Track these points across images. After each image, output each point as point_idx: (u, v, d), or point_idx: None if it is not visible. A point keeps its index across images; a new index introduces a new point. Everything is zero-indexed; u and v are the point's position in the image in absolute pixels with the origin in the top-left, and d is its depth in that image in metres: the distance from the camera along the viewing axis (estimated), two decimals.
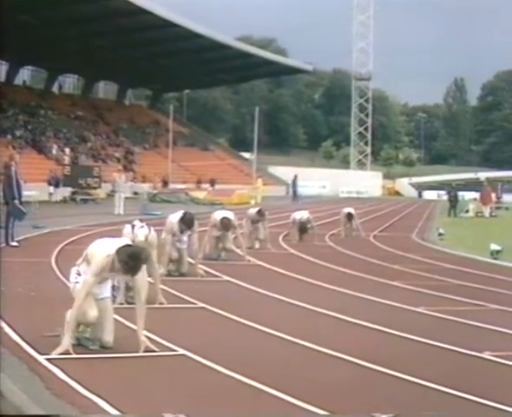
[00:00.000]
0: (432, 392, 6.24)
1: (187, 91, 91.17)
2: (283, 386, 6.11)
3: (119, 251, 7.00)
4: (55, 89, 68.29)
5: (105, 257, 7.10)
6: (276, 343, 7.97)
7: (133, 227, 10.11)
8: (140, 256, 7.05)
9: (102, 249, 7.22)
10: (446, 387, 6.30)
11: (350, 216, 22.87)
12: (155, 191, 46.62)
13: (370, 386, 6.45)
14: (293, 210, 22.21)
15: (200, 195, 46.37)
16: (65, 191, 42.15)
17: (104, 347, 7.24)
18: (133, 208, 31.53)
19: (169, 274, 12.45)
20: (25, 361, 6.67)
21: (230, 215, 14.91)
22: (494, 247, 17.97)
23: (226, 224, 14.68)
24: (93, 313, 7.22)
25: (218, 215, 15.01)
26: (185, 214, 12.53)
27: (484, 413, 5.81)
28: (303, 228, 20.28)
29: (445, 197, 51.13)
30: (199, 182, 57.53)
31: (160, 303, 9.64)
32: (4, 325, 7.90)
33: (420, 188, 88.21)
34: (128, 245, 7.24)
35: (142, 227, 10.09)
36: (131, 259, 6.96)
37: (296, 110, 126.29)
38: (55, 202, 39.59)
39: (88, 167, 47.74)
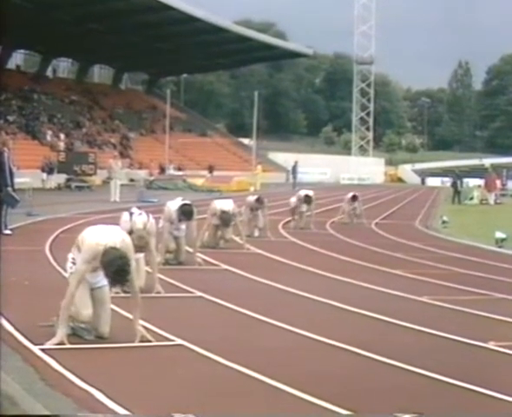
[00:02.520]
0: (435, 382, 6.25)
1: (184, 76, 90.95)
2: (282, 376, 6.11)
3: (104, 265, 6.92)
4: (49, 73, 68.10)
5: (95, 245, 7.09)
6: (275, 333, 7.98)
7: (131, 214, 10.09)
8: (125, 270, 6.92)
9: (93, 237, 7.22)
10: (449, 377, 6.30)
11: (354, 198, 23.14)
12: (152, 178, 46.62)
13: (370, 376, 6.45)
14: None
15: (198, 181, 46.33)
16: (59, 178, 42.08)
17: (100, 338, 7.25)
18: (129, 195, 31.52)
19: (167, 262, 12.44)
20: (19, 352, 6.67)
21: (230, 206, 14.81)
22: (499, 235, 17.97)
23: (225, 220, 14.62)
24: (87, 312, 7.23)
25: (218, 204, 14.93)
26: (184, 205, 12.48)
27: (489, 403, 5.81)
28: (308, 201, 20.48)
29: (449, 184, 51.10)
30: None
31: (157, 292, 9.65)
32: None
33: (423, 174, 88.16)
34: (113, 253, 6.95)
35: (141, 214, 10.08)
36: (117, 274, 6.92)
37: (296, 95, 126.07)
38: (49, 190, 39.51)
39: (83, 153, 47.63)
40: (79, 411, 5.21)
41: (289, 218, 21.39)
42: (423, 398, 5.87)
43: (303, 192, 21.04)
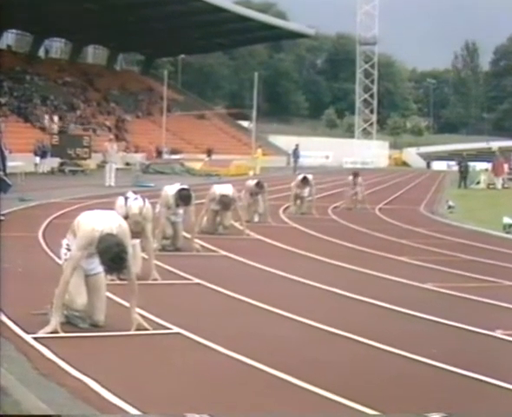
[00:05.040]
0: (440, 371, 6.26)
1: (182, 56, 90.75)
2: (283, 364, 6.12)
3: (100, 252, 6.91)
4: (41, 53, 67.91)
5: (90, 231, 7.08)
6: (275, 321, 7.99)
7: (126, 199, 10.08)
8: (122, 258, 6.90)
9: (89, 223, 7.20)
10: (455, 366, 6.31)
11: (356, 175, 23.35)
12: (148, 162, 46.56)
13: (374, 365, 6.46)
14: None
15: (196, 165, 46.32)
16: (53, 162, 42.02)
17: (95, 326, 7.25)
18: (125, 179, 31.49)
19: (164, 248, 12.45)
20: (12, 341, 6.68)
21: (229, 191, 14.80)
22: (506, 220, 17.97)
23: (225, 203, 14.61)
24: (81, 300, 7.23)
25: (217, 189, 14.91)
26: (182, 189, 12.47)
27: (496, 393, 5.82)
28: (306, 183, 20.63)
29: (455, 168, 51.11)
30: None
31: (154, 279, 9.66)
32: None
33: (429, 158, 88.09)
34: (110, 239, 6.94)
35: (136, 199, 10.07)
36: (113, 262, 6.90)
37: (297, 76, 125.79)
38: (42, 174, 39.50)
39: (77, 136, 47.59)
40: (73, 401, 5.22)
41: (290, 203, 21.40)
42: (427, 387, 5.87)
43: (300, 176, 21.13)
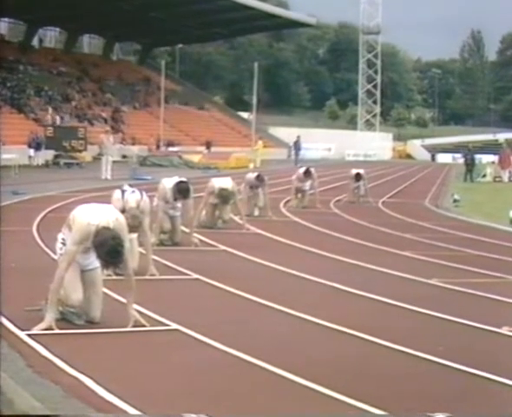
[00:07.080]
0: (446, 369, 6.26)
1: (179, 46, 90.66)
2: (283, 362, 6.12)
3: (96, 245, 6.90)
4: (35, 42, 67.81)
5: (86, 225, 7.07)
6: (276, 317, 7.99)
7: (123, 192, 10.07)
8: (118, 252, 6.88)
9: (85, 216, 7.19)
10: (460, 364, 6.31)
11: (358, 177, 23.18)
12: (145, 154, 46.55)
13: (378, 363, 6.46)
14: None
15: (195, 158, 46.32)
16: (47, 154, 42.01)
17: (91, 322, 7.26)
18: (121, 172, 31.49)
19: (161, 243, 12.46)
20: (5, 338, 6.66)
21: (229, 184, 14.79)
22: None
23: (225, 197, 14.61)
24: (77, 295, 7.22)
25: (216, 182, 14.90)
26: (180, 182, 12.46)
27: (501, 391, 5.82)
28: (308, 176, 20.68)
29: (461, 160, 51.08)
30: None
31: (152, 274, 9.67)
32: None
33: (433, 150, 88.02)
34: (106, 233, 6.93)
35: (133, 192, 10.06)
36: (109, 256, 6.89)
37: (298, 66, 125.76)
38: (36, 167, 39.53)
39: (72, 128, 47.52)
40: (68, 399, 5.22)
41: (291, 197, 21.40)
42: (432, 385, 5.87)
43: (302, 169, 21.15)
